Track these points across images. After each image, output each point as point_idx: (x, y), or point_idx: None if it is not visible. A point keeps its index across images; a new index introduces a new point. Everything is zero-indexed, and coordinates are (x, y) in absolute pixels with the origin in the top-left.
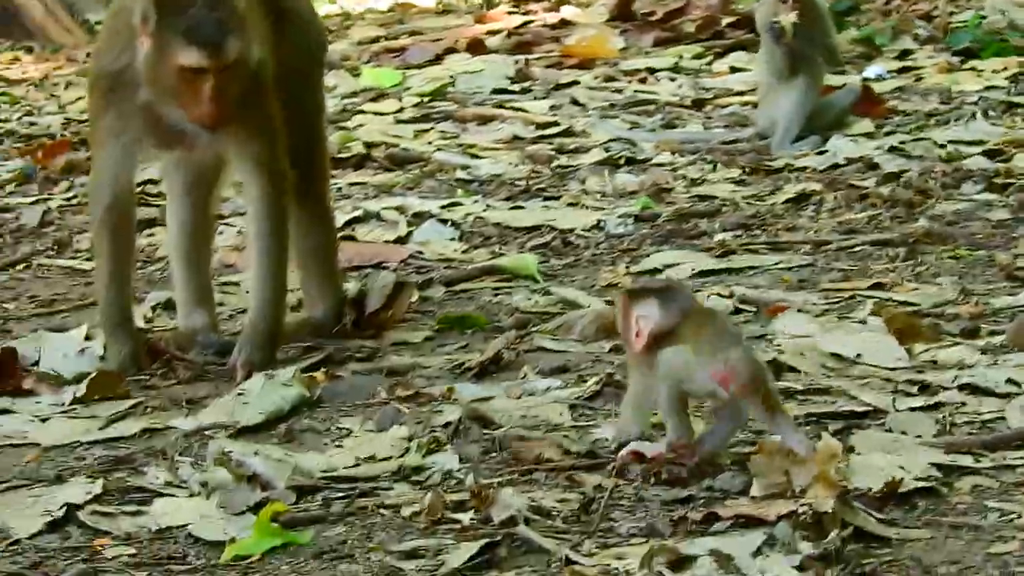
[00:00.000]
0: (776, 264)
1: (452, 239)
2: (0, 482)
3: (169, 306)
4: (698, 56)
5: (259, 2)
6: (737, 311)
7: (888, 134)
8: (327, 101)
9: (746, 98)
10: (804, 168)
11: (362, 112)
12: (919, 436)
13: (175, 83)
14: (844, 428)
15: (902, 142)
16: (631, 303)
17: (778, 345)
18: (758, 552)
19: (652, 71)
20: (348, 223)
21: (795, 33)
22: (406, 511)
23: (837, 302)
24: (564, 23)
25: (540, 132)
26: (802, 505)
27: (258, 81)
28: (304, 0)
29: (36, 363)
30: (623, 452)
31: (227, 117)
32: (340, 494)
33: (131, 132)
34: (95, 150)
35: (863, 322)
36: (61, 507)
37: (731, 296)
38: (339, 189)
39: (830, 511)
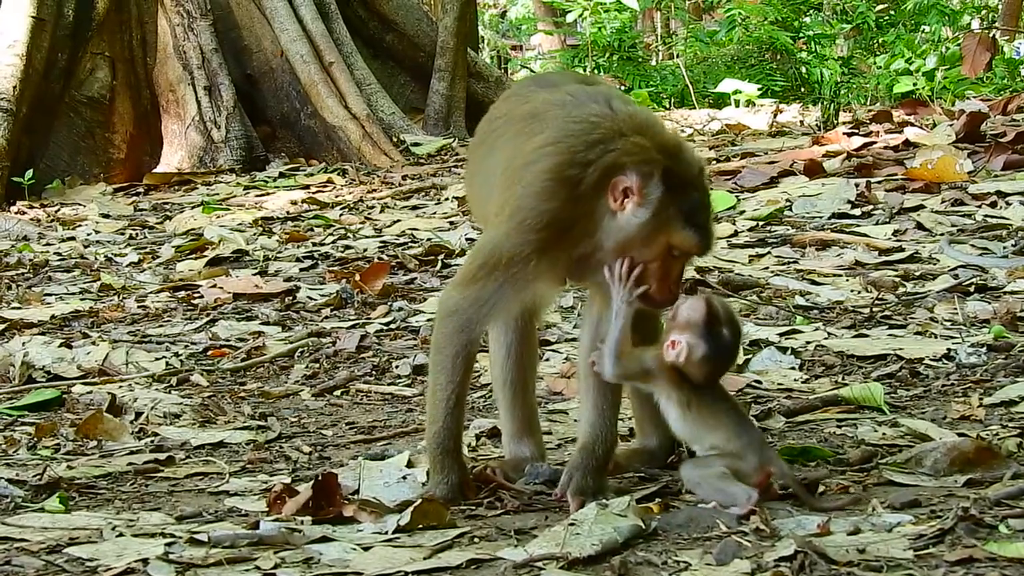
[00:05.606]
0: None
1: (792, 368)
2: None
3: (493, 434)
4: None
5: None
6: None
7: None
8: None
9: None
10: None
11: None
12: None
13: (650, 255)
14: None
15: None
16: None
17: None
18: None
19: (1003, 195)
20: None
21: None
22: None
23: None
24: (907, 145)
25: (884, 258)
26: None
27: None
28: None
29: (356, 491)
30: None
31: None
32: None
33: (530, 272)
34: (479, 273)
35: None
36: None
37: None
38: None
39: None
